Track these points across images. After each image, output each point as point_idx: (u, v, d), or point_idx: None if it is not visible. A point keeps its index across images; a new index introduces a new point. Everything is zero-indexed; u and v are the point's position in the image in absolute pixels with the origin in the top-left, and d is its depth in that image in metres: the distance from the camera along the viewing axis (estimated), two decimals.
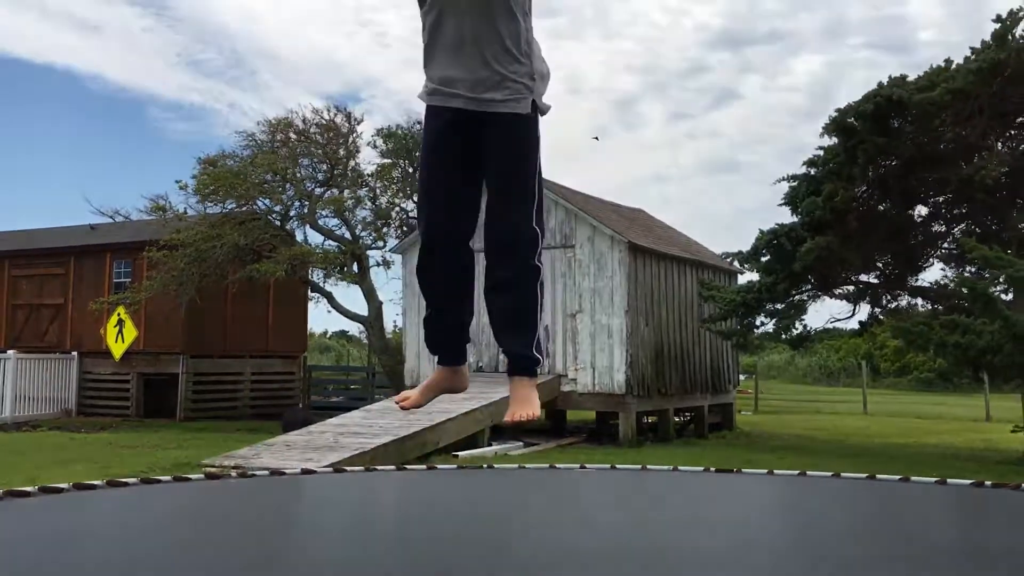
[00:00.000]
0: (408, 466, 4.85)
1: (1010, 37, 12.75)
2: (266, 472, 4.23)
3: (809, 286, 14.56)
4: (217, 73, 68.95)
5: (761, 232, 14.29)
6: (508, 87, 2.16)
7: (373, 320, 19.38)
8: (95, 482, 3.32)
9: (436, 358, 2.48)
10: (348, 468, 4.50)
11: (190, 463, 11.28)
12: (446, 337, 2.43)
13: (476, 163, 2.23)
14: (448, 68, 2.16)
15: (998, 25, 12.84)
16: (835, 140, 13.65)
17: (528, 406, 2.28)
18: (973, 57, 12.98)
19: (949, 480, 5.05)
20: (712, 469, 5.40)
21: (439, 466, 4.63)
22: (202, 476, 4.15)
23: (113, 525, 2.80)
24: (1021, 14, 12.77)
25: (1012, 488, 4.68)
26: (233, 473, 4.33)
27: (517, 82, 2.17)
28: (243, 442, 12.99)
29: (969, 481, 5.03)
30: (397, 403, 2.37)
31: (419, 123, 19.86)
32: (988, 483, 5.00)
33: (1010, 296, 13.14)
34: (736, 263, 15.88)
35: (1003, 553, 3.34)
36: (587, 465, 5.12)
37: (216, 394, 19.26)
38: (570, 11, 70.37)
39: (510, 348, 2.32)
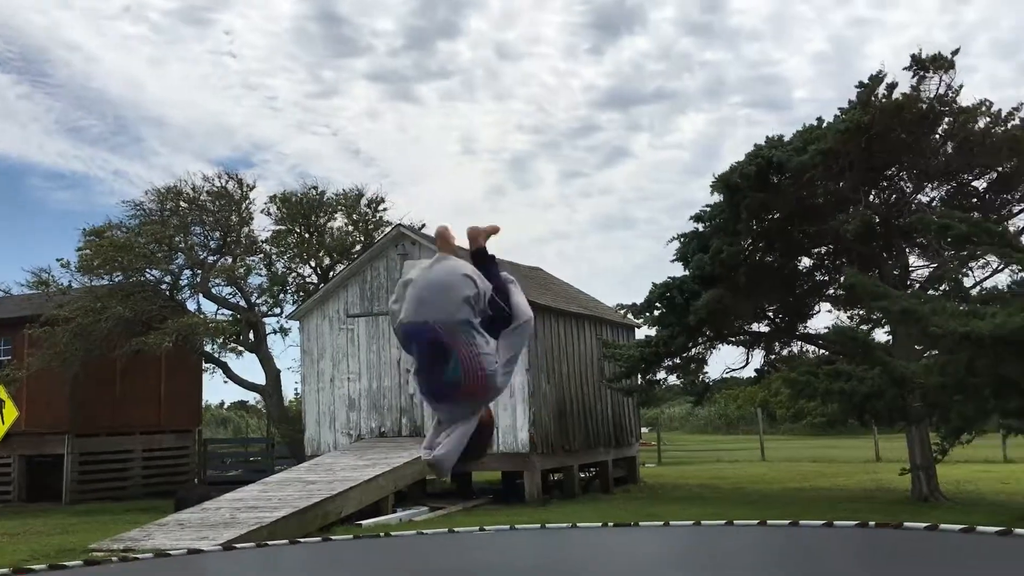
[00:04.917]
0: (302, 539, 4.73)
1: (873, 98, 13.55)
2: (150, 555, 4.06)
3: (704, 338, 14.94)
4: (100, 140, 67.01)
5: (654, 285, 14.64)
6: None
7: (271, 389, 18.93)
8: None
9: None
10: (239, 545, 4.35)
11: (75, 549, 10.71)
12: None
13: None
14: None
15: (862, 90, 13.64)
16: (721, 197, 14.18)
17: None
18: (842, 117, 13.74)
19: (836, 522, 5.22)
20: (610, 524, 5.44)
21: (333, 537, 4.53)
22: (80, 563, 3.96)
23: None
24: (883, 76, 13.61)
25: (894, 527, 4.87)
26: (114, 559, 4.14)
27: None
28: (134, 523, 12.41)
29: (854, 523, 5.21)
30: None
31: (314, 188, 19.83)
32: (872, 523, 5.20)
33: (888, 338, 13.78)
34: (630, 315, 16.17)
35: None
36: (487, 527, 5.09)
37: (105, 474, 18.39)
38: (461, 72, 71.38)
39: None
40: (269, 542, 4.71)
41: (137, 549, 10.24)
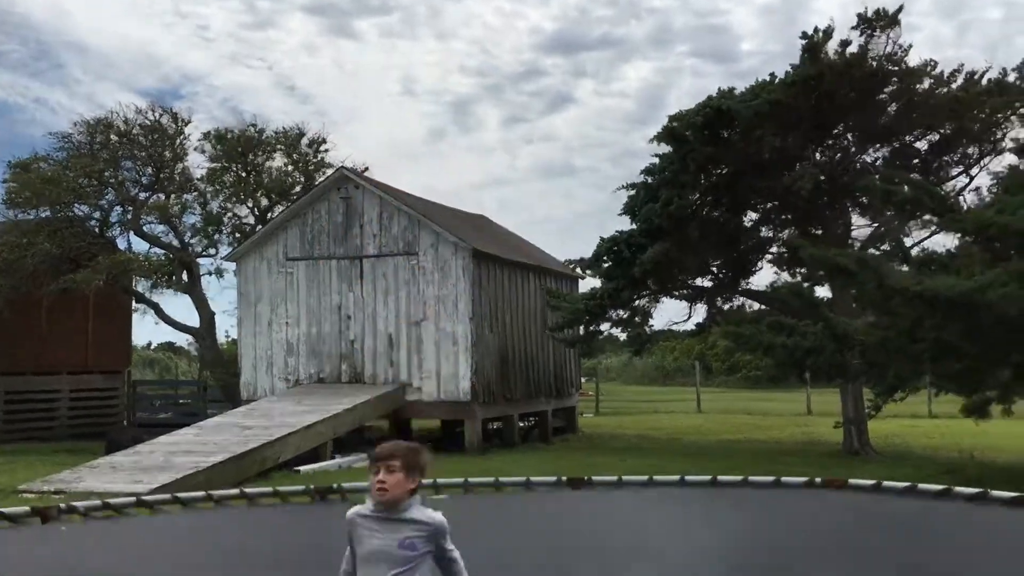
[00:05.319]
0: (250, 489, 4.57)
1: (823, 54, 13.56)
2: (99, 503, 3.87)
3: (648, 291, 15.00)
4: (20, 66, 63.94)
5: (602, 239, 14.62)
6: None
7: (205, 332, 18.51)
8: None
9: None
10: (183, 495, 4.17)
11: (4, 489, 10.36)
12: None
13: None
14: None
15: (805, 41, 13.62)
16: (669, 148, 14.12)
17: None
18: (792, 71, 13.75)
19: (783, 479, 5.26)
20: (564, 478, 5.38)
21: (292, 498, 4.39)
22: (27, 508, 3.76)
23: None
24: (831, 31, 13.61)
25: (838, 486, 4.94)
26: (63, 506, 3.92)
27: None
28: (62, 464, 12.06)
29: (801, 480, 5.26)
30: None
31: (253, 125, 19.21)
32: (819, 480, 5.26)
33: (828, 294, 13.99)
34: (579, 269, 16.17)
35: (834, 546, 3.45)
36: (438, 480, 4.98)
37: (31, 414, 17.86)
38: (402, 9, 69.72)
39: None
40: (214, 492, 4.53)
41: (69, 492, 9.95)
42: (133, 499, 4.03)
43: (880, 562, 2.89)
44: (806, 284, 13.22)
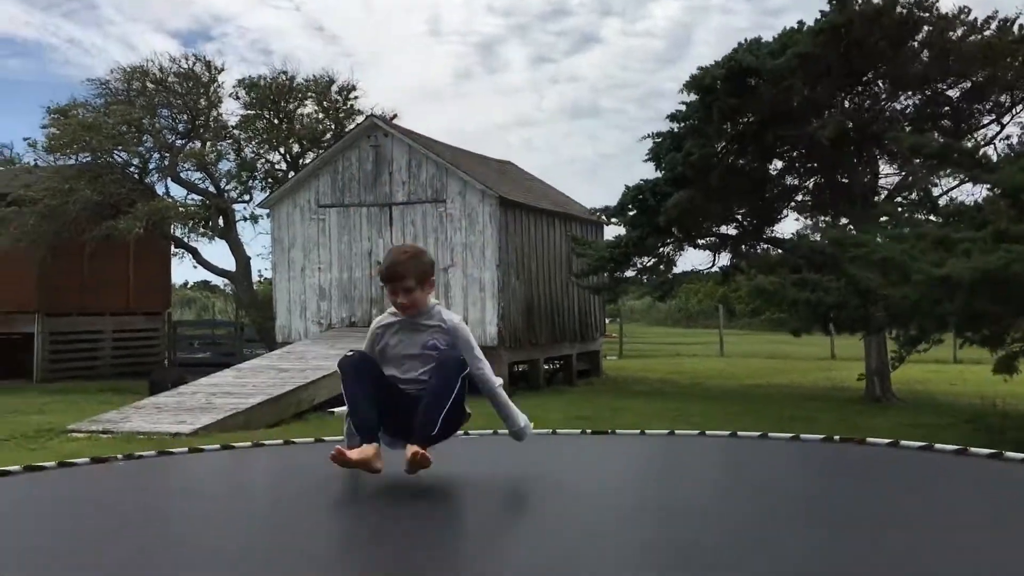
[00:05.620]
0: (296, 440, 4.91)
1: (852, 1, 13.45)
2: (153, 453, 4.23)
3: (673, 238, 15.17)
4: (53, 6, 64.19)
5: (627, 188, 14.77)
6: None
7: (241, 275, 18.98)
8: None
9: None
10: (237, 445, 4.52)
11: (54, 428, 10.92)
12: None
13: None
14: None
15: None
16: (696, 96, 14.16)
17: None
18: (820, 19, 13.67)
19: (802, 436, 5.53)
20: (588, 431, 5.69)
21: (326, 439, 4.72)
22: (87, 460, 4.11)
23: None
24: None
25: (857, 443, 5.19)
26: (119, 456, 4.29)
27: None
28: (108, 404, 12.62)
29: (820, 436, 5.52)
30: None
31: (284, 73, 19.38)
32: (837, 437, 5.50)
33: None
34: (604, 218, 16.35)
35: (849, 505, 3.73)
36: (470, 432, 5.31)
37: (75, 354, 18.53)
38: None
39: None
40: (264, 442, 4.88)
41: (116, 432, 10.49)
42: (185, 449, 4.41)
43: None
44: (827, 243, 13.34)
